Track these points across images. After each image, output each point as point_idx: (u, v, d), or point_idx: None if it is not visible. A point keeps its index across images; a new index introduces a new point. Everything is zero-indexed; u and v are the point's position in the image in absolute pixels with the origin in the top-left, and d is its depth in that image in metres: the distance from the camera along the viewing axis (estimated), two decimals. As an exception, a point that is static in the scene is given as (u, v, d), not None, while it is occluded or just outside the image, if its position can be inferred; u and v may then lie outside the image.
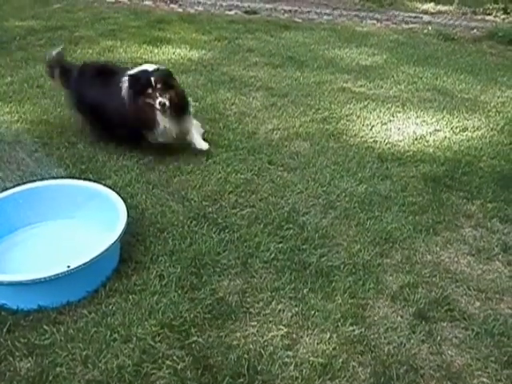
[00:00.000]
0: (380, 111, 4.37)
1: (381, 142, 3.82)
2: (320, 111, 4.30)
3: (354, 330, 2.10)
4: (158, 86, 3.11)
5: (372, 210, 2.97)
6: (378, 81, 5.15)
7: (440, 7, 9.14)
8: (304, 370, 1.91)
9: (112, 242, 2.19)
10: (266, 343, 2.02)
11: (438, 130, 4.09)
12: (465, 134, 4.04)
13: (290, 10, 8.32)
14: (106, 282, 2.27)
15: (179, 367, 1.90)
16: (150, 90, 3.10)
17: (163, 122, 3.17)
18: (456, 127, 4.15)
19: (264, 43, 6.25)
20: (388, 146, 3.78)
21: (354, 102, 4.54)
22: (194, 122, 3.46)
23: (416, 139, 3.91)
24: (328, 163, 3.46)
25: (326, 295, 2.29)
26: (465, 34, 7.43)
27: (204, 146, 3.39)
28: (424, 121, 4.26)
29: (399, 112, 4.40)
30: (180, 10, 7.87)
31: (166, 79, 3.19)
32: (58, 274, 2.03)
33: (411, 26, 7.75)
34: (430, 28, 7.69)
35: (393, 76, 5.33)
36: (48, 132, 3.59)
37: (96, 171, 3.14)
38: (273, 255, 2.52)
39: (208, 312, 2.15)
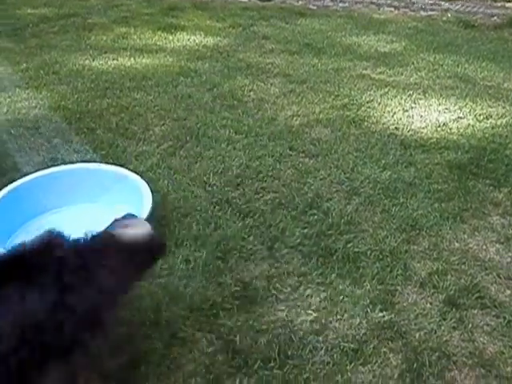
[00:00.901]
0: (401, 98, 4.30)
1: (403, 128, 3.76)
2: (340, 98, 4.24)
3: (383, 316, 2.07)
4: None
5: (397, 196, 2.92)
6: (398, 68, 5.06)
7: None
8: (335, 355, 1.88)
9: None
10: (295, 328, 1.99)
11: (462, 118, 4.01)
12: (489, 121, 3.95)
13: (306, -3, 8.20)
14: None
15: (209, 350, 1.88)
16: None
17: None
18: (480, 115, 4.07)
19: (279, 30, 6.18)
20: (411, 132, 3.71)
21: (374, 89, 4.46)
22: None
23: (439, 126, 3.84)
24: (350, 150, 3.41)
25: (354, 281, 2.25)
26: (485, 21, 7.29)
27: None
28: (447, 108, 4.18)
29: (421, 99, 4.32)
30: (194, -3, 7.79)
31: None
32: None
33: (430, 13, 7.61)
34: (449, 15, 7.56)
35: (413, 63, 5.24)
36: (66, 118, 3.57)
37: (116, 157, 3.12)
38: (298, 240, 2.48)
39: (236, 297, 2.12)
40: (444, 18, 7.39)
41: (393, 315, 2.08)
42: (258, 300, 2.12)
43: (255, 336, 1.95)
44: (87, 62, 4.66)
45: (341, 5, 7.87)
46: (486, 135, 3.69)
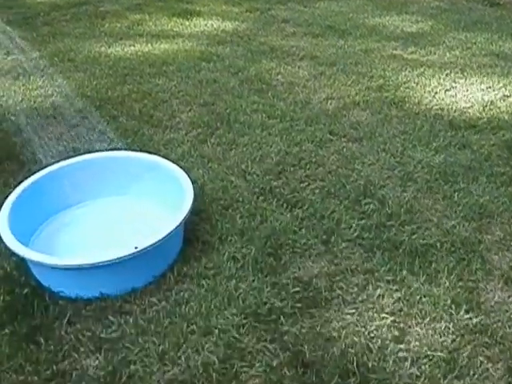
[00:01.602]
0: (439, 77, 3.98)
1: (448, 109, 3.45)
2: (374, 79, 3.93)
3: (470, 319, 1.78)
4: None
5: (456, 181, 2.62)
6: (430, 47, 4.74)
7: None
8: (423, 367, 1.59)
9: (181, 218, 1.88)
10: (371, 335, 1.70)
11: (508, 96, 3.69)
12: (538, 100, 3.64)
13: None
14: (173, 265, 1.97)
15: (274, 364, 1.60)
16: None
17: None
18: (527, 93, 3.75)
19: (298, 13, 5.86)
20: (457, 113, 3.40)
21: (409, 69, 4.15)
22: None
23: (486, 106, 3.52)
24: (395, 133, 3.10)
25: (429, 278, 1.96)
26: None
27: None
28: (489, 86, 3.86)
29: (460, 78, 4.00)
30: (205, -17, 7.46)
31: None
32: (122, 257, 1.73)
33: (452, -8, 7.25)
34: (472, -6, 7.20)
35: (444, 42, 4.91)
36: (86, 105, 3.29)
37: (143, 145, 2.83)
38: (357, 233, 2.19)
39: (296, 299, 1.84)
40: (468, -3, 7.06)
41: (482, 317, 1.79)
42: (322, 302, 1.83)
43: (326, 345, 1.66)
44: (103, 48, 4.37)
45: (358, -13, 7.53)
46: (542, 113, 3.37)
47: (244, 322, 1.73)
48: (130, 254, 1.73)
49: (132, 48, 4.39)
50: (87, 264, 1.73)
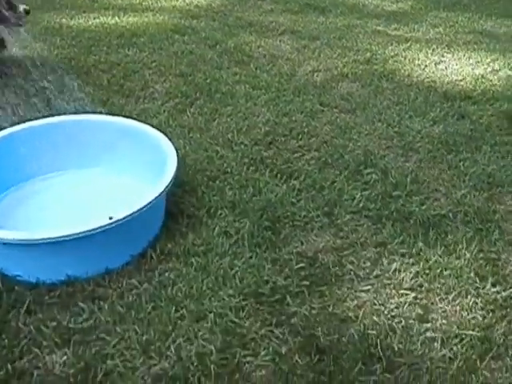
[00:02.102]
0: (426, 52, 3.80)
1: (440, 81, 3.27)
2: (360, 52, 3.71)
3: (498, 292, 1.56)
4: None
5: (459, 151, 2.42)
6: (413, 24, 4.57)
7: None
8: (455, 348, 1.36)
9: (164, 186, 1.59)
10: (392, 313, 1.46)
11: (498, 70, 3.54)
12: (529, 74, 3.50)
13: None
14: (155, 242, 1.68)
15: (283, 351, 1.33)
16: None
17: None
18: (517, 67, 3.62)
19: (275, -8, 5.60)
20: (450, 85, 3.22)
21: (395, 44, 3.96)
22: None
23: (477, 79, 3.36)
24: (389, 104, 2.89)
25: (447, 250, 1.74)
26: (485, -17, 6.88)
27: None
28: (478, 61, 3.71)
29: (448, 53, 3.84)
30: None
31: None
32: (93, 230, 1.43)
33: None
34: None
35: (426, 20, 4.76)
36: (45, 74, 2.92)
37: (113, 115, 2.49)
38: (362, 204, 1.95)
39: (302, 276, 1.58)
40: (444, -19, 6.97)
41: (509, 289, 1.57)
42: (332, 279, 1.58)
43: (341, 327, 1.41)
44: (64, 20, 3.98)
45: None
46: (536, 85, 3.23)
47: (243, 303, 1.46)
48: (102, 227, 1.42)
49: (97, 20, 4.02)
50: (49, 239, 1.41)
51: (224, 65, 3.28)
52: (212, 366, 1.27)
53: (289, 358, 1.32)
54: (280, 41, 3.90)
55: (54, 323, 1.38)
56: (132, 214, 1.47)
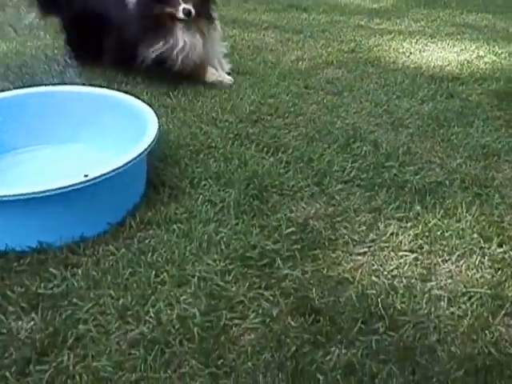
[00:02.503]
0: (410, 42, 3.78)
1: (426, 66, 3.22)
2: (345, 43, 3.66)
3: (505, 252, 1.46)
4: None
5: (451, 126, 2.35)
6: (395, 19, 4.58)
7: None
8: (463, 306, 1.25)
9: (143, 148, 1.47)
10: (392, 274, 1.35)
11: (482, 56, 3.52)
12: (513, 59, 3.48)
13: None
14: (134, 211, 1.55)
15: (274, 313, 1.21)
16: None
17: (183, 36, 2.45)
18: (500, 53, 3.60)
19: (257, -5, 5.58)
20: (437, 69, 3.18)
21: (379, 36, 3.93)
22: (221, 43, 2.77)
23: (463, 64, 3.32)
24: (376, 87, 2.82)
25: (446, 214, 1.64)
26: (464, -13, 6.97)
27: (227, 79, 2.67)
28: (462, 49, 3.69)
29: (432, 43, 3.81)
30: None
31: None
32: (66, 188, 1.29)
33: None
34: (427, -19, 7.20)
35: (408, 15, 4.78)
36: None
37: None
38: (353, 174, 1.85)
39: (293, 240, 1.46)
40: (424, -16, 7.05)
41: (518, 249, 1.48)
42: (326, 243, 1.47)
43: (338, 289, 1.29)
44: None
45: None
46: (521, 68, 3.21)
47: (230, 267, 1.34)
48: (76, 184, 1.29)
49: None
50: (18, 195, 1.26)
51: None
52: (195, 329, 1.14)
53: (281, 319, 1.19)
54: (264, 35, 3.84)
55: (22, 289, 1.24)
56: (108, 173, 1.34)
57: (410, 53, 3.51)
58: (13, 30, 3.13)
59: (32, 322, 1.15)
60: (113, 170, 1.36)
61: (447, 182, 1.85)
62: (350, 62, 3.25)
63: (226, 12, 4.53)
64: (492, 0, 6.04)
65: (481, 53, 3.60)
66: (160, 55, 2.48)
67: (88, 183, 1.31)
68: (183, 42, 2.46)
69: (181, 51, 2.47)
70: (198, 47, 2.51)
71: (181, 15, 2.39)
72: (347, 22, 4.38)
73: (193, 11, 2.39)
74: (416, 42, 3.79)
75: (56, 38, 2.98)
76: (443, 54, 3.53)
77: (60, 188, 1.27)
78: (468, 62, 3.38)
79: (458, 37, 4.06)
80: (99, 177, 1.32)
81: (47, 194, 1.26)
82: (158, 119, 1.71)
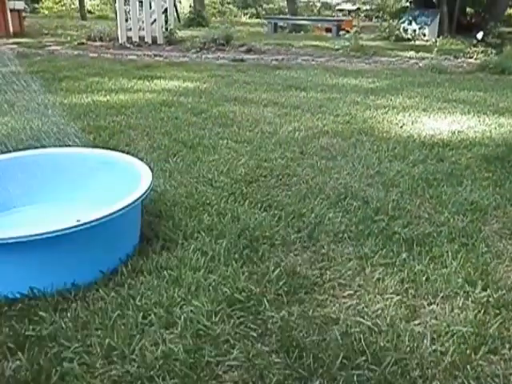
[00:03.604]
0: (403, 115, 3.98)
1: (418, 135, 3.38)
2: (340, 116, 3.88)
3: (489, 296, 1.47)
4: None
5: (440, 185, 2.43)
6: (390, 96, 4.84)
7: (421, 54, 9.31)
8: (447, 344, 1.25)
9: (137, 196, 1.56)
10: (376, 313, 1.36)
11: (473, 127, 3.69)
12: (502, 129, 3.64)
13: (277, 59, 8.23)
14: (127, 260, 1.60)
15: (258, 350, 1.22)
16: None
17: None
18: (490, 124, 3.78)
19: (259, 78, 5.97)
20: (428, 137, 3.33)
21: (373, 110, 4.16)
22: None
23: (454, 133, 3.48)
24: (369, 152, 2.95)
25: (433, 261, 1.67)
26: (455, 69, 7.39)
27: None
28: (454, 121, 3.88)
29: (424, 116, 4.02)
30: (166, 60, 7.66)
31: None
32: (58, 231, 1.36)
33: (400, 66, 7.71)
34: (421, 64, 7.67)
35: (402, 93, 5.06)
36: (32, 136, 3.01)
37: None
38: (343, 227, 1.91)
39: (281, 285, 1.49)
40: (416, 67, 7.50)
41: (504, 292, 1.49)
42: (314, 287, 1.50)
43: (322, 329, 1.30)
44: (58, 98, 4.19)
45: (313, 62, 7.91)
46: (509, 137, 3.35)
47: (217, 309, 1.36)
48: (68, 228, 1.36)
49: (89, 99, 4.22)
50: (8, 239, 1.32)
51: (208, 126, 3.40)
52: (179, 367, 1.15)
53: (264, 356, 1.20)
54: (263, 110, 4.08)
55: (10, 331, 1.27)
56: (100, 218, 1.42)
57: (403, 124, 3.70)
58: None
59: (18, 362, 1.17)
60: (105, 216, 1.43)
61: (435, 234, 1.89)
62: (345, 132, 3.42)
63: (228, 92, 4.84)
64: (483, 80, 6.42)
65: (471, 124, 3.78)
66: None
67: (80, 228, 1.38)
68: None
69: None
70: None
71: None
72: (344, 99, 4.64)
73: None
74: (409, 115, 4.00)
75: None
76: (435, 125, 3.71)
77: (52, 232, 1.34)
78: (459, 131, 3.55)
79: (450, 110, 4.27)
80: (91, 222, 1.39)
81: (38, 237, 1.32)
82: (156, 180, 1.81)
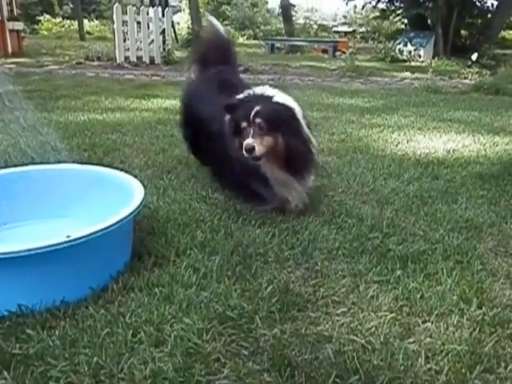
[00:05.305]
0: (399, 134, 4.01)
1: (413, 153, 3.39)
2: (335, 135, 3.89)
3: (485, 314, 1.45)
4: (257, 120, 1.96)
5: (435, 202, 2.43)
6: (385, 115, 4.87)
7: (417, 75, 9.43)
8: (442, 362, 1.23)
9: (126, 214, 1.54)
10: (370, 331, 1.34)
11: (468, 146, 3.71)
12: (497, 147, 3.67)
13: (273, 79, 8.32)
14: (118, 277, 1.58)
15: (249, 369, 1.19)
16: (244, 125, 1.99)
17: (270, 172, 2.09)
18: (485, 143, 3.80)
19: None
20: (423, 155, 3.34)
21: (369, 128, 4.18)
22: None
23: (449, 151, 3.50)
24: (364, 170, 2.95)
25: (427, 278, 1.65)
26: (450, 89, 7.47)
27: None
28: (449, 139, 3.90)
29: (419, 134, 4.05)
30: (163, 79, 7.73)
31: (274, 115, 1.99)
32: (47, 247, 1.34)
33: (396, 86, 7.80)
34: (416, 85, 7.75)
35: (398, 112, 5.10)
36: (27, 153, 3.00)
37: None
38: (337, 244, 1.90)
39: (274, 302, 1.47)
40: (412, 87, 7.58)
41: (499, 310, 1.47)
42: (307, 305, 1.48)
43: (316, 346, 1.28)
44: (54, 116, 4.20)
45: (309, 82, 8.00)
46: (503, 155, 3.36)
47: (208, 326, 1.34)
48: (57, 244, 1.34)
49: (85, 117, 4.24)
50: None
51: (203, 144, 3.40)
52: (169, 386, 1.12)
53: (256, 375, 1.17)
54: (259, 128, 4.10)
55: (-4, 350, 1.24)
56: (90, 234, 1.40)
57: (398, 142, 3.71)
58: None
59: (3, 381, 1.14)
60: (94, 232, 1.42)
61: (429, 251, 1.88)
62: (340, 150, 3.43)
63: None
64: (478, 100, 6.48)
65: (466, 143, 3.80)
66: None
67: (70, 244, 1.36)
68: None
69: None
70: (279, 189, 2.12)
71: (243, 152, 1.93)
72: (339, 118, 4.67)
73: (257, 149, 1.91)
74: (404, 134, 4.02)
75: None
76: (430, 144, 3.73)
77: (41, 248, 1.32)
78: (454, 150, 3.56)
79: (445, 129, 4.30)
80: (81, 238, 1.38)
81: (27, 253, 1.30)
82: (149, 197, 1.80)
